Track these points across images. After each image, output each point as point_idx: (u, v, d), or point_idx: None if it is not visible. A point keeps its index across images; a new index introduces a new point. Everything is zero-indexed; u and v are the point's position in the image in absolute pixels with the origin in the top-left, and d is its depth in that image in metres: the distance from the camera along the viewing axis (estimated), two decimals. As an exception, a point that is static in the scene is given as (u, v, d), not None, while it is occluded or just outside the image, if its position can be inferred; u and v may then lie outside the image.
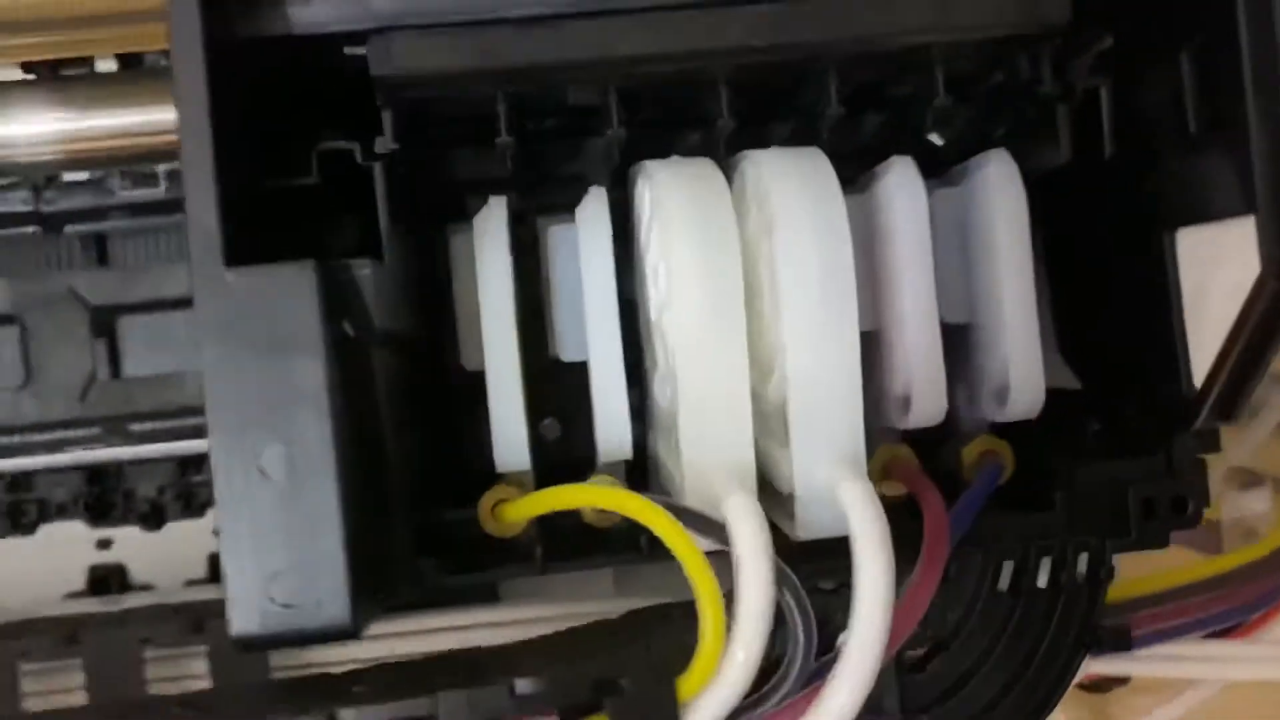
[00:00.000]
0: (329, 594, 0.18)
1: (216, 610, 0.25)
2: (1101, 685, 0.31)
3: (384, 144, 0.22)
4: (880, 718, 0.22)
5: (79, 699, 0.25)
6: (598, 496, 0.21)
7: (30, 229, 0.32)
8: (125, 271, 0.33)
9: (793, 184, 0.21)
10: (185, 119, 0.18)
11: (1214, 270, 0.21)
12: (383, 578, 0.21)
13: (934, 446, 0.26)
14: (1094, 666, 0.29)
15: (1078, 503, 0.23)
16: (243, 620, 0.19)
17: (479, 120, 0.23)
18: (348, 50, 0.21)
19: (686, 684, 0.19)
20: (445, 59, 0.20)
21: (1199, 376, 0.22)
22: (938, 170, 0.26)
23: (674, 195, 0.21)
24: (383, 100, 0.21)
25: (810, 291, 0.21)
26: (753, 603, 0.19)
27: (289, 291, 0.18)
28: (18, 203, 0.31)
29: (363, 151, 0.22)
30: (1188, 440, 0.22)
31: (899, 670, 0.22)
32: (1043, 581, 0.22)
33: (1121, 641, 0.23)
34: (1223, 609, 0.29)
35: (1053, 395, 0.26)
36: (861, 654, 0.19)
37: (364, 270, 0.19)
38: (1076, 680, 0.28)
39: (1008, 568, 0.22)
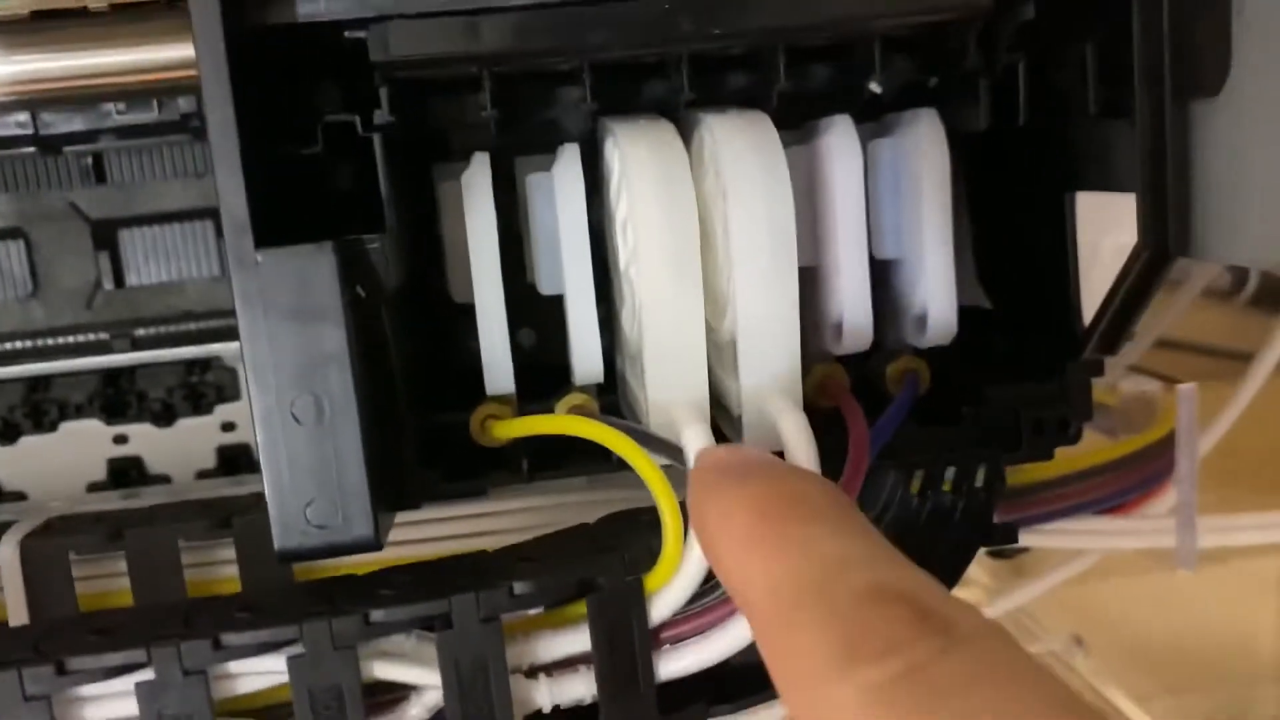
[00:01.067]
0: (356, 516, 0.22)
1: (240, 507, 0.29)
2: (1005, 553, 0.36)
3: (381, 116, 0.24)
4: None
5: (123, 584, 0.29)
6: (577, 426, 0.25)
7: (29, 150, 0.33)
8: (122, 187, 0.35)
9: (744, 154, 0.24)
10: (212, 113, 0.21)
11: (1104, 231, 0.25)
12: (397, 493, 0.25)
13: (862, 361, 0.29)
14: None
15: (981, 420, 0.27)
16: (284, 539, 0.22)
17: (464, 81, 0.25)
18: (348, 34, 0.23)
19: (653, 579, 0.24)
20: (437, 45, 0.23)
21: (1088, 316, 0.26)
22: (876, 114, 0.29)
23: (640, 164, 0.24)
24: (380, 80, 0.24)
25: (759, 251, 0.24)
26: (706, 515, 0.23)
27: (311, 268, 0.21)
28: (14, 126, 0.33)
29: (362, 123, 0.24)
30: (1077, 368, 0.26)
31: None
32: (948, 488, 0.26)
33: (1009, 537, 0.27)
34: (1113, 490, 0.34)
35: (969, 313, 0.30)
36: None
37: (374, 244, 0.22)
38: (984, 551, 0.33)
39: (919, 475, 0.26)
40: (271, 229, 0.22)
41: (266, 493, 0.22)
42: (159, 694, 0.21)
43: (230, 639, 0.21)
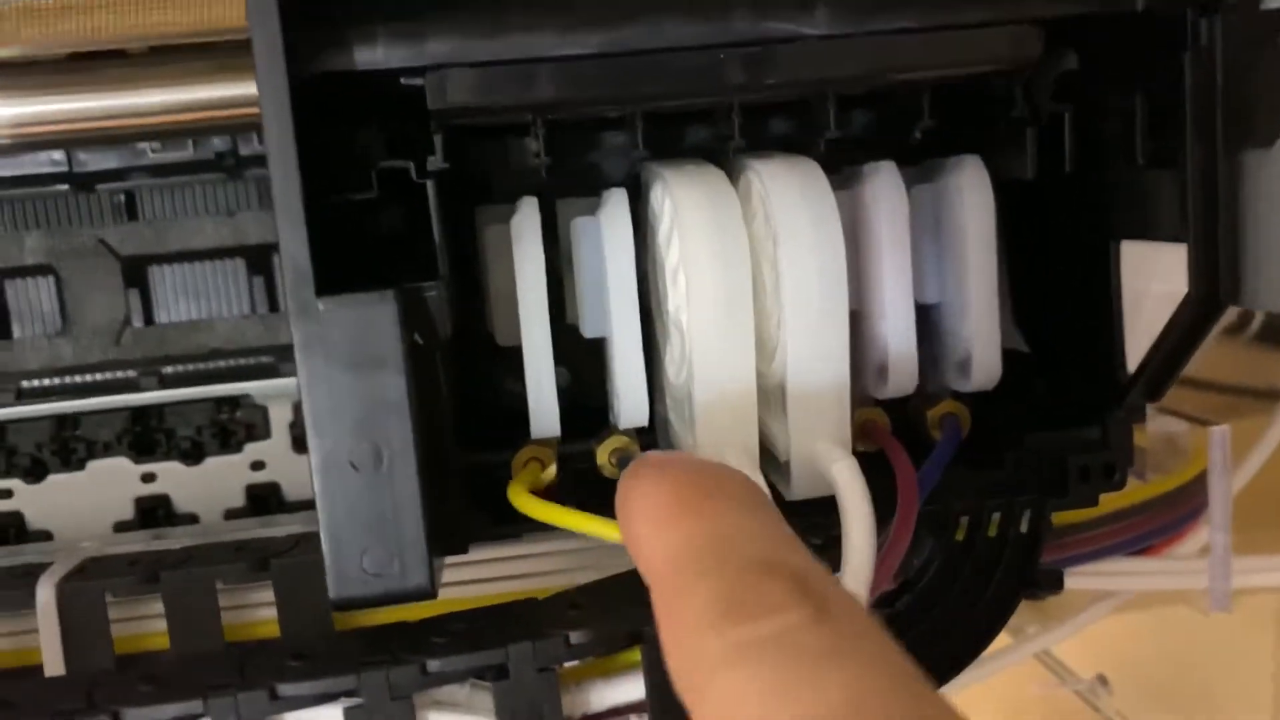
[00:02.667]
0: (412, 564, 0.22)
1: (275, 548, 0.29)
2: (1035, 595, 0.36)
3: (435, 163, 0.24)
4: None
5: (158, 626, 0.29)
6: (590, 525, 0.24)
7: (62, 187, 0.33)
8: (154, 225, 0.35)
9: (795, 201, 0.24)
10: (275, 162, 0.21)
11: (1150, 279, 0.25)
12: (445, 535, 0.25)
13: (900, 405, 0.30)
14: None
15: (1024, 465, 0.27)
16: (340, 587, 0.22)
17: (509, 125, 0.25)
18: (404, 81, 0.23)
19: (705, 629, 0.24)
20: (493, 94, 0.23)
21: (1132, 364, 0.26)
22: (917, 158, 0.29)
23: (694, 211, 0.24)
24: (435, 127, 0.24)
25: (809, 297, 0.24)
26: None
27: (373, 317, 0.21)
28: (49, 164, 0.33)
29: (417, 169, 0.24)
30: (1120, 415, 0.26)
31: (871, 606, 0.26)
32: (993, 533, 0.27)
33: (1055, 582, 0.28)
34: (1144, 531, 0.35)
35: (1008, 357, 0.30)
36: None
37: (432, 293, 0.22)
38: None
39: (965, 520, 0.26)
40: (328, 276, 0.22)
41: (323, 541, 0.22)
42: (215, 746, 0.21)
43: (286, 690, 0.21)
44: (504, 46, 0.23)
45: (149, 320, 0.35)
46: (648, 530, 0.19)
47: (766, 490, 0.21)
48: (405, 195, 0.25)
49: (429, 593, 0.22)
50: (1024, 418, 0.28)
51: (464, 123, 0.24)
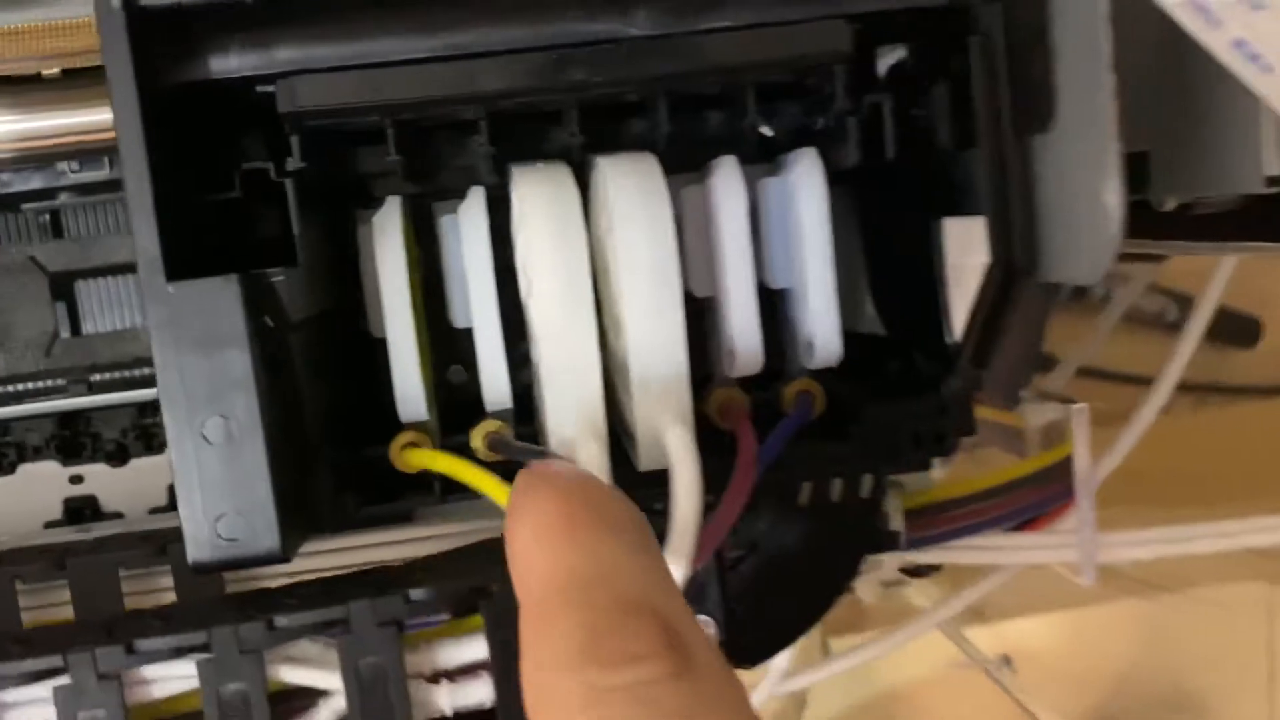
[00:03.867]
0: (263, 530, 0.24)
1: (176, 536, 0.31)
2: (918, 570, 0.37)
3: (293, 163, 0.26)
4: (703, 606, 0.28)
5: (67, 613, 0.30)
6: (463, 472, 0.26)
7: (-12, 208, 0.36)
8: (79, 241, 0.38)
9: (628, 191, 0.26)
10: (127, 163, 0.23)
11: (967, 253, 0.27)
12: (309, 512, 0.26)
13: (770, 386, 0.31)
14: (920, 557, 0.36)
15: (865, 436, 0.28)
16: (197, 552, 0.24)
17: (374, 130, 0.27)
18: (259, 89, 0.25)
19: (546, 589, 0.25)
20: (339, 96, 0.25)
21: (959, 334, 0.28)
22: (773, 155, 0.31)
23: (532, 204, 0.26)
24: (289, 129, 0.26)
25: (642, 281, 0.26)
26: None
27: (218, 299, 0.23)
28: (-27, 187, 0.35)
29: (276, 169, 0.26)
30: (955, 384, 0.28)
31: (719, 567, 0.28)
32: (835, 497, 0.28)
33: (891, 543, 0.29)
34: (1019, 506, 0.36)
35: (868, 339, 0.32)
36: (674, 556, 0.25)
37: (279, 277, 0.24)
38: (901, 567, 0.35)
39: (807, 487, 0.28)
40: (192, 266, 0.24)
41: (180, 509, 0.24)
42: (75, 698, 0.23)
43: (143, 645, 0.23)
44: (348, 52, 0.25)
45: (76, 331, 0.37)
46: (529, 546, 0.19)
47: (643, 521, 0.21)
48: (280, 198, 0.27)
49: (280, 556, 0.24)
50: (874, 393, 0.30)
51: (321, 125, 0.26)
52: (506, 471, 0.27)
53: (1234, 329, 0.73)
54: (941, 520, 0.34)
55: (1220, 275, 0.38)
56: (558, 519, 0.19)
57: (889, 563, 0.33)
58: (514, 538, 0.20)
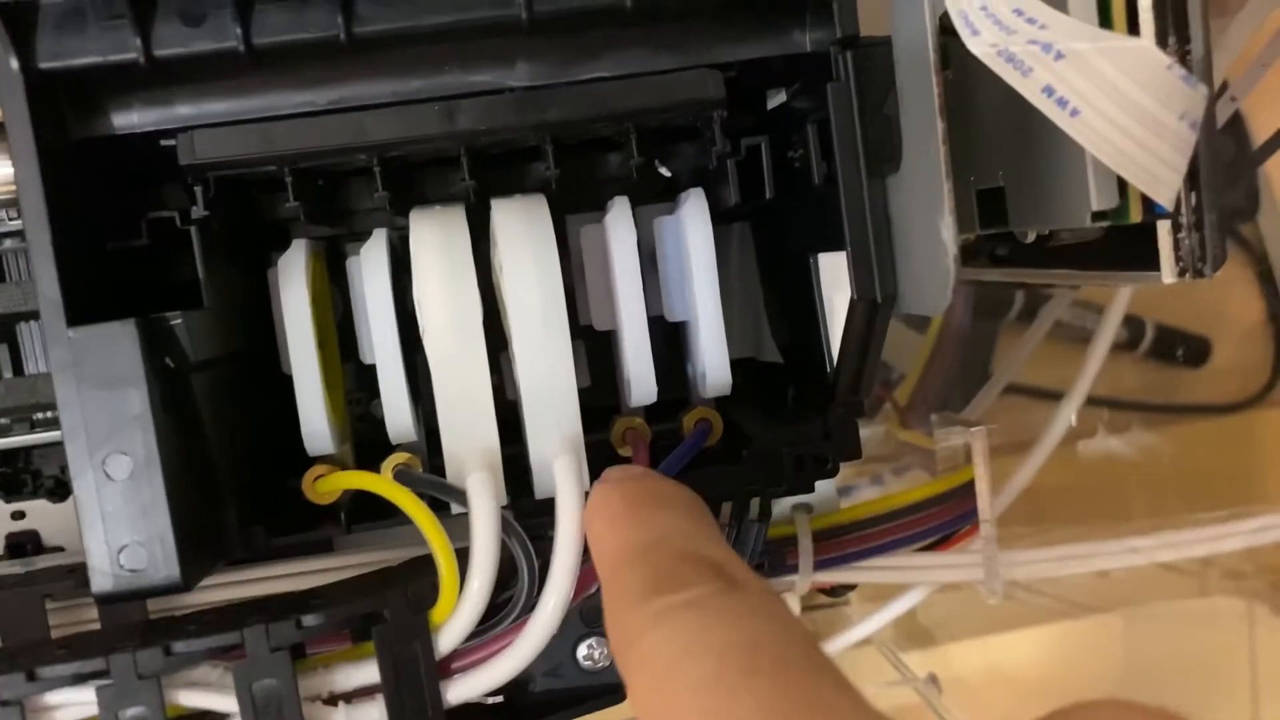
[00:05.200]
0: (164, 561, 0.25)
1: (104, 568, 0.32)
2: (835, 591, 0.38)
3: (197, 211, 0.28)
4: (596, 627, 0.29)
5: (0, 643, 0.32)
6: (368, 482, 0.28)
7: (-70, 254, 0.37)
8: (20, 285, 0.39)
9: (517, 231, 0.28)
10: (27, 213, 0.24)
11: (839, 286, 0.28)
12: (214, 544, 0.28)
13: (677, 414, 0.33)
14: (828, 577, 0.37)
15: (756, 460, 0.30)
16: (100, 582, 0.25)
17: (277, 178, 0.29)
18: (163, 142, 0.27)
19: (437, 612, 0.27)
20: (235, 148, 0.26)
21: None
22: (676, 192, 0.32)
23: (425, 245, 0.28)
24: (191, 179, 0.27)
25: (531, 319, 0.27)
26: (480, 548, 0.26)
27: (116, 343, 0.25)
28: (-85, 234, 0.37)
29: (181, 218, 0.28)
30: (836, 410, 0.29)
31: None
32: (724, 519, 0.29)
33: (777, 563, 0.30)
34: (927, 526, 0.37)
35: (770, 368, 0.33)
36: (560, 577, 0.26)
37: (176, 320, 0.26)
38: (816, 586, 0.36)
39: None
40: (97, 311, 0.25)
41: (84, 542, 0.25)
42: (-21, 723, 0.24)
43: (44, 672, 0.24)
44: (244, 106, 0.27)
45: (19, 371, 0.39)
46: (601, 529, 0.24)
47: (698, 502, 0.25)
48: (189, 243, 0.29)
49: (180, 585, 0.25)
50: (773, 416, 0.31)
51: (223, 175, 0.28)
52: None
53: (1184, 349, 0.74)
54: (849, 541, 0.35)
55: (1124, 290, 0.39)
56: (620, 506, 0.23)
57: (799, 584, 0.34)
58: (590, 530, 0.24)
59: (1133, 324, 0.70)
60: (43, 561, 0.38)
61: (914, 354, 0.53)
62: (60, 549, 0.39)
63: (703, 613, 0.20)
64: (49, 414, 0.39)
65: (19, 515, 0.39)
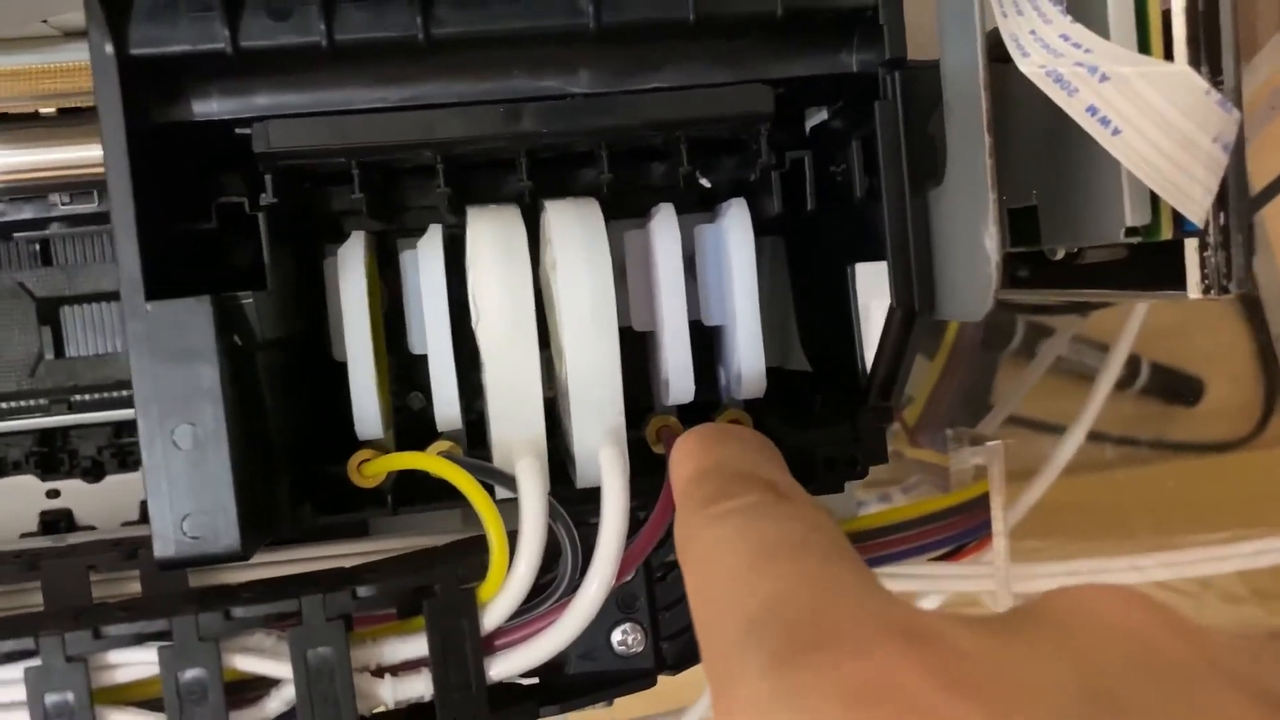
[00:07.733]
0: (225, 530, 0.26)
1: (146, 542, 0.33)
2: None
3: (266, 198, 0.29)
4: (631, 612, 0.30)
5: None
6: (425, 462, 0.29)
7: (-20, 236, 0.38)
8: (66, 269, 0.40)
9: (571, 231, 0.29)
10: (114, 193, 0.26)
11: (876, 295, 0.30)
12: (269, 517, 0.29)
13: (708, 415, 0.34)
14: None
15: (788, 459, 0.31)
16: (163, 548, 0.26)
17: (342, 171, 0.30)
18: (238, 131, 0.28)
19: (484, 590, 0.28)
20: (309, 139, 0.28)
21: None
22: (714, 203, 0.34)
23: (484, 241, 0.29)
24: (263, 168, 0.28)
25: (581, 315, 0.29)
26: (529, 530, 0.27)
27: (191, 318, 0.26)
28: (-32, 216, 0.38)
29: (250, 204, 0.29)
30: (866, 415, 0.31)
31: (649, 577, 0.30)
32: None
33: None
34: (941, 536, 0.38)
35: (799, 375, 0.34)
36: (605, 559, 0.27)
37: (247, 299, 0.27)
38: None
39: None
40: (169, 288, 0.26)
41: (149, 508, 0.26)
42: (44, 679, 0.25)
43: (109, 630, 0.25)
44: (319, 99, 0.28)
45: (60, 354, 0.40)
46: (679, 458, 0.27)
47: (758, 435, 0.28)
48: (253, 227, 0.30)
49: (239, 554, 0.26)
50: (803, 419, 0.32)
51: (292, 164, 0.29)
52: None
53: (1177, 387, 0.76)
54: (865, 548, 0.37)
55: (1131, 326, 0.41)
56: (695, 443, 0.27)
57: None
58: (671, 468, 0.27)
59: (1129, 362, 0.72)
60: (75, 539, 0.39)
61: (921, 378, 0.55)
62: (92, 528, 0.40)
63: (748, 516, 0.22)
64: (87, 396, 0.40)
65: (54, 494, 0.40)
